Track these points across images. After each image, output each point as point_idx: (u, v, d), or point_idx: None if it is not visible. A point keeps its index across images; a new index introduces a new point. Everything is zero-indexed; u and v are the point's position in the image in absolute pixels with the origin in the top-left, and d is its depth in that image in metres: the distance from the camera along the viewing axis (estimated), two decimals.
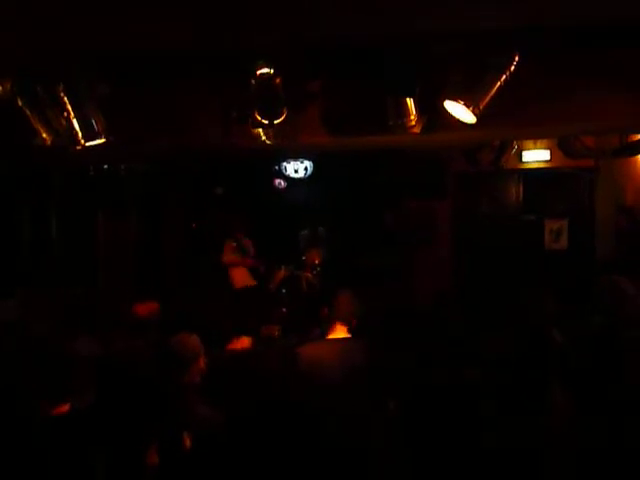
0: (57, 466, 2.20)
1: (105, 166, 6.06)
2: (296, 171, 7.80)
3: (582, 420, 2.80)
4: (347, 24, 2.89)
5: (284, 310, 5.10)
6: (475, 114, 3.25)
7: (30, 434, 2.45)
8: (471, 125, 3.36)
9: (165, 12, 2.67)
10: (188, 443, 2.51)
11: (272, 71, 3.23)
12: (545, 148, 6.85)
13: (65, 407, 2.75)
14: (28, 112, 3.60)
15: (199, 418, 2.71)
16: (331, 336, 3.42)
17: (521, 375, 3.20)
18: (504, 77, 3.19)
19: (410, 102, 3.38)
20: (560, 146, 6.60)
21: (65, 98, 3.54)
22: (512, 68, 3.18)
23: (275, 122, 3.44)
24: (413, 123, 3.47)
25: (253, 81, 3.29)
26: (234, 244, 6.76)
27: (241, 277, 6.78)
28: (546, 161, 6.92)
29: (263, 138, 3.65)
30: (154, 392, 2.50)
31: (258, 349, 3.43)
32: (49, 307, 4.19)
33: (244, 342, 3.43)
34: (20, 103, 3.58)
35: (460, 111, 3.31)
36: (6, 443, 2.36)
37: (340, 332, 3.42)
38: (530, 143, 6.83)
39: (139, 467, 2.18)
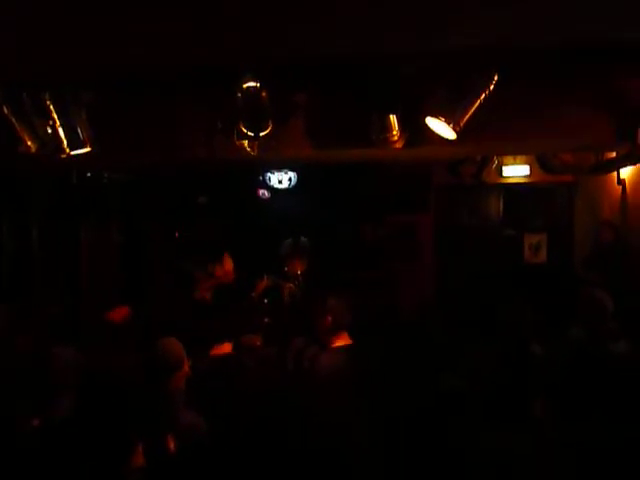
0: (41, 473, 2.21)
1: (88, 174, 6.05)
2: (280, 182, 7.81)
3: (562, 432, 2.84)
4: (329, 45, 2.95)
5: (266, 320, 5.09)
6: (455, 131, 3.33)
7: (12, 442, 2.46)
8: (452, 141, 3.44)
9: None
10: (172, 446, 2.52)
11: (258, 84, 3.28)
12: (525, 163, 6.95)
13: (43, 416, 2.75)
14: (13, 120, 3.60)
15: (185, 423, 2.71)
16: (338, 344, 3.37)
17: (501, 387, 3.23)
18: (484, 95, 3.28)
19: (393, 118, 3.44)
20: (539, 162, 6.72)
21: (51, 106, 3.55)
22: (492, 87, 3.27)
23: (260, 134, 3.48)
24: (396, 138, 3.53)
25: (239, 94, 3.33)
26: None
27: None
28: (526, 176, 7.02)
29: (248, 150, 3.69)
30: (139, 399, 2.51)
31: (241, 356, 3.43)
32: (31, 323, 4.18)
33: (226, 348, 3.44)
34: (5, 111, 3.58)
35: (441, 128, 3.39)
36: None
37: (343, 339, 3.38)
38: (510, 158, 6.92)
39: (124, 470, 2.19)
